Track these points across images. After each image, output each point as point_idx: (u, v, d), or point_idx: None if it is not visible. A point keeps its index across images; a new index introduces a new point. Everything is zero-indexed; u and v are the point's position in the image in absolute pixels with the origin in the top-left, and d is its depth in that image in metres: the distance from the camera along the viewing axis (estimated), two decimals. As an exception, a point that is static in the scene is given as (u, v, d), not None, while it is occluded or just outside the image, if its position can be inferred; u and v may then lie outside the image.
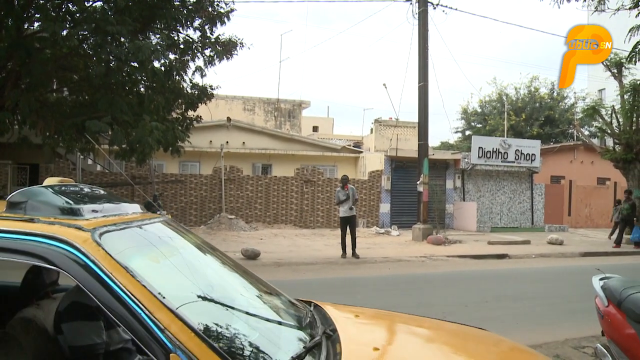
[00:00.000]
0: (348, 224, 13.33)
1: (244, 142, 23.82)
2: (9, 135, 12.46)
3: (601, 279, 4.72)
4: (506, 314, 7.76)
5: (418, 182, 18.62)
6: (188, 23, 13.72)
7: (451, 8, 18.74)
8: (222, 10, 13.93)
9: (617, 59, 18.69)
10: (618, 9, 12.58)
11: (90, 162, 19.35)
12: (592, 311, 4.77)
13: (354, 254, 13.22)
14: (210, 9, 13.70)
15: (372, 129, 28.68)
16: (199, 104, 15.09)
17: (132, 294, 1.81)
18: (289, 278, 10.51)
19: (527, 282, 10.96)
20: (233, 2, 14.24)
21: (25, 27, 12.08)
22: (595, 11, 12.77)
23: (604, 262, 13.42)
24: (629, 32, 12.36)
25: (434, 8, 18.61)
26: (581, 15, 62.48)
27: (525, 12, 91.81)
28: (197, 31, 14.12)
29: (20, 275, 3.02)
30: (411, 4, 18.68)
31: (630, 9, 12.35)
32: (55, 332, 2.59)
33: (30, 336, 2.53)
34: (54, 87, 13.99)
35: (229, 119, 23.88)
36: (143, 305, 1.79)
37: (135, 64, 12.04)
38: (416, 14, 18.49)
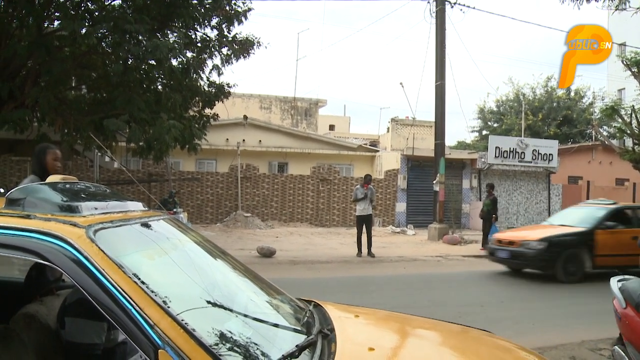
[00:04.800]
0: (364, 222, 13.31)
1: (260, 140, 23.83)
2: (28, 132, 12.65)
3: (619, 281, 4.68)
4: (522, 315, 7.73)
5: (434, 182, 18.56)
6: (205, 22, 13.79)
7: (468, 7, 18.61)
8: (239, 9, 13.98)
9: (638, 58, 18.42)
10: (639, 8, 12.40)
11: (107, 159, 19.51)
12: (610, 313, 4.73)
13: (369, 253, 13.22)
14: (227, 8, 13.75)
15: (388, 128, 28.56)
16: (216, 102, 15.14)
17: (123, 290, 1.82)
18: (305, 276, 10.56)
19: (543, 283, 10.88)
20: (250, 0, 14.32)
21: (46, 25, 12.23)
22: (615, 10, 12.62)
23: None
24: None
25: (452, 7, 18.50)
26: (600, 14, 61.78)
27: (543, 10, 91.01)
28: (215, 30, 14.20)
29: (24, 271, 3.06)
30: (428, 2, 18.59)
31: None
32: (58, 325, 2.62)
33: (33, 332, 2.55)
34: (73, 84, 14.17)
35: (245, 117, 23.90)
36: (133, 301, 1.81)
37: (153, 62, 12.15)
38: (433, 13, 18.41)
